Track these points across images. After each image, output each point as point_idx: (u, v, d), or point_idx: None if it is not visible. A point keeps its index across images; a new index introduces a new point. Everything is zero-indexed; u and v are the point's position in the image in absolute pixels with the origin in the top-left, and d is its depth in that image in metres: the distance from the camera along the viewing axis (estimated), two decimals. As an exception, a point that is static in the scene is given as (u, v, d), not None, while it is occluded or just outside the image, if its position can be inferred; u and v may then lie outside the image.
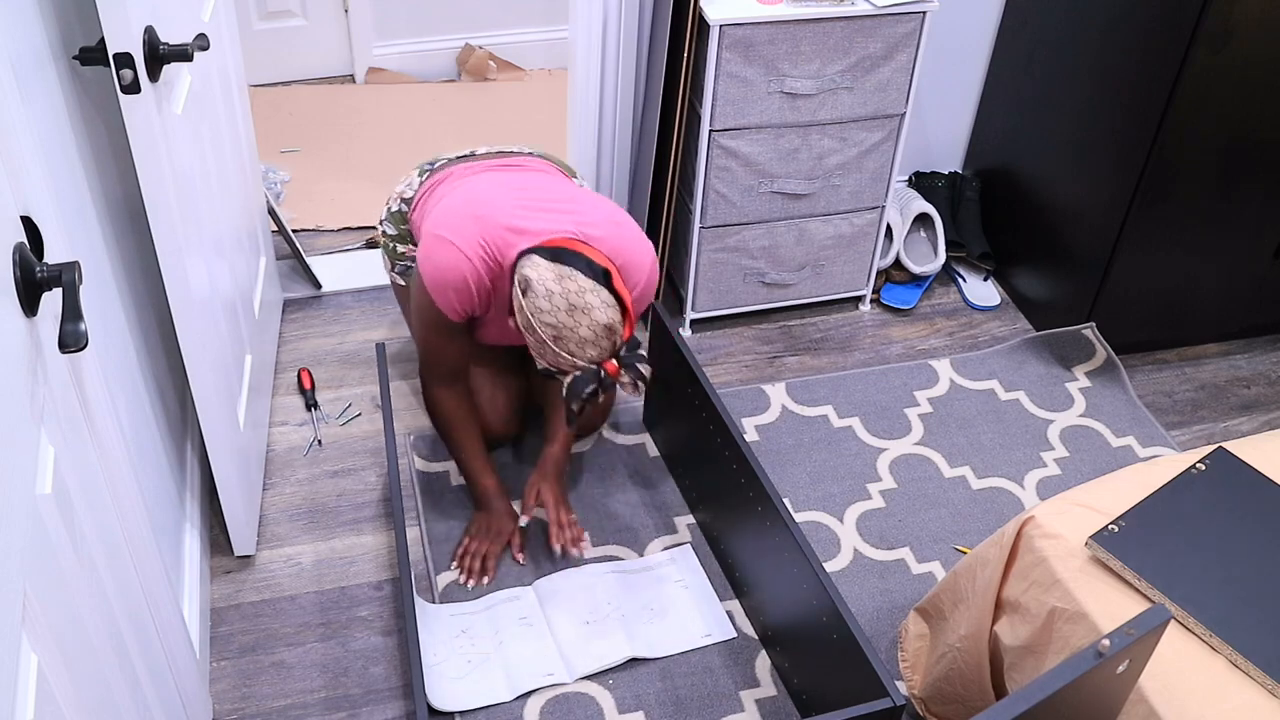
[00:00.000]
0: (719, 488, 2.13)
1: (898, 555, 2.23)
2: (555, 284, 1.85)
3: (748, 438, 2.47)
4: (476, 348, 2.25)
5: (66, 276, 1.08)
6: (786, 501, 2.30)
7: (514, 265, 1.96)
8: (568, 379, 1.89)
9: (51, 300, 1.13)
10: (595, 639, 2.01)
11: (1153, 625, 1.23)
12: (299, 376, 2.55)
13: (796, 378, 2.66)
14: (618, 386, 1.92)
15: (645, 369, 1.91)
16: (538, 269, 1.87)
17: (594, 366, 1.88)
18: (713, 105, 2.41)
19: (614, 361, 1.89)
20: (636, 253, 2.05)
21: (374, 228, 3.02)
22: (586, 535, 2.21)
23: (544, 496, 2.17)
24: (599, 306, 1.85)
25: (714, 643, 2.04)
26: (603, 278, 1.88)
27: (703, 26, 2.33)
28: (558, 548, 2.14)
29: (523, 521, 2.18)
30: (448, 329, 2.09)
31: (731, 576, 2.15)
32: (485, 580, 2.11)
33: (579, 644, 2.00)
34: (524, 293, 1.88)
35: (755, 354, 2.73)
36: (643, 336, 2.62)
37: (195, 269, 1.82)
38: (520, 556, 2.16)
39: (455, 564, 2.14)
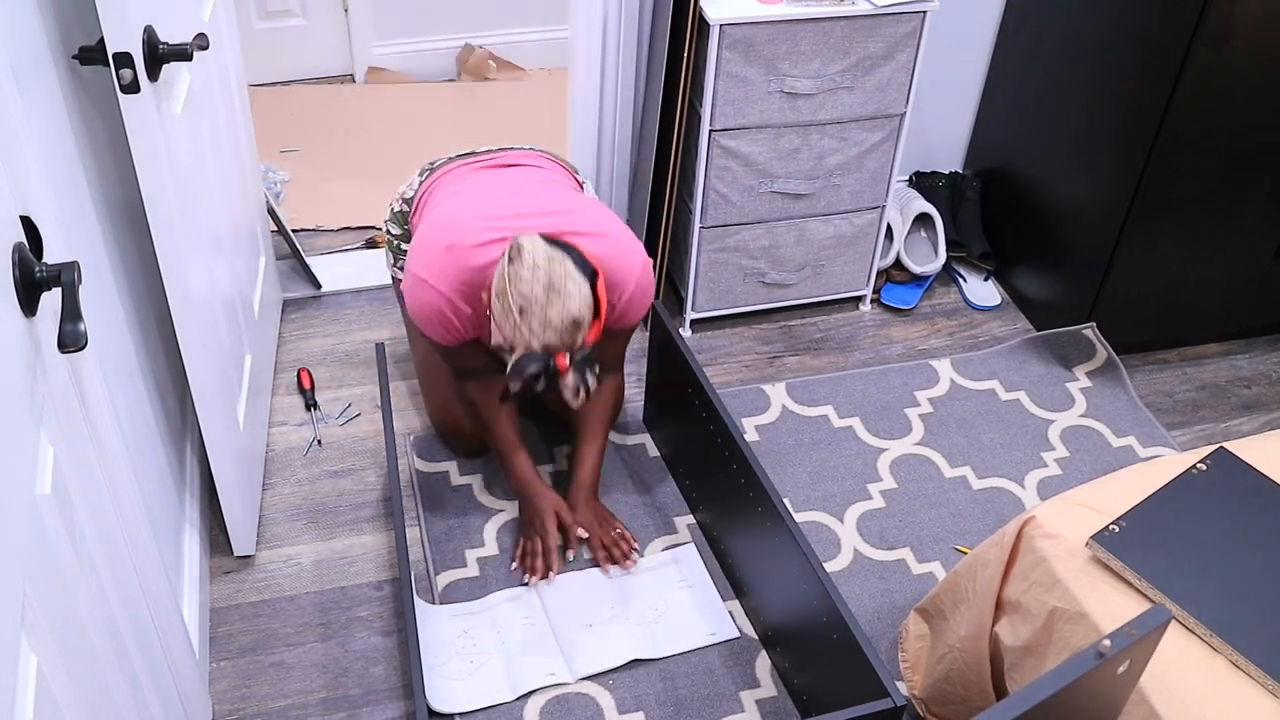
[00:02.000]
0: (719, 488, 2.13)
1: (898, 555, 2.23)
2: (544, 260, 1.83)
3: (748, 438, 2.46)
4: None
5: (66, 276, 1.08)
6: (786, 501, 2.30)
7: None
8: (515, 355, 1.85)
9: (51, 300, 1.13)
10: (598, 639, 2.01)
11: (1153, 625, 1.23)
12: (299, 376, 2.55)
13: (796, 378, 2.65)
14: (562, 387, 1.86)
15: (592, 381, 1.88)
16: (533, 243, 1.86)
17: (546, 355, 1.84)
18: (713, 105, 2.41)
19: (567, 358, 1.85)
20: (624, 264, 2.02)
21: (374, 227, 3.02)
22: (636, 547, 2.20)
23: (584, 527, 2.16)
24: (576, 297, 1.83)
25: (718, 642, 2.04)
26: (590, 276, 1.87)
27: (703, 26, 2.33)
28: (608, 570, 2.15)
29: (569, 556, 2.17)
30: (442, 346, 2.10)
31: (731, 577, 2.14)
32: (552, 575, 2.11)
33: (581, 644, 2.00)
34: (511, 259, 1.85)
35: (755, 354, 2.73)
36: (642, 338, 2.62)
37: (195, 269, 1.82)
38: (570, 553, 2.17)
39: (516, 565, 2.15)
